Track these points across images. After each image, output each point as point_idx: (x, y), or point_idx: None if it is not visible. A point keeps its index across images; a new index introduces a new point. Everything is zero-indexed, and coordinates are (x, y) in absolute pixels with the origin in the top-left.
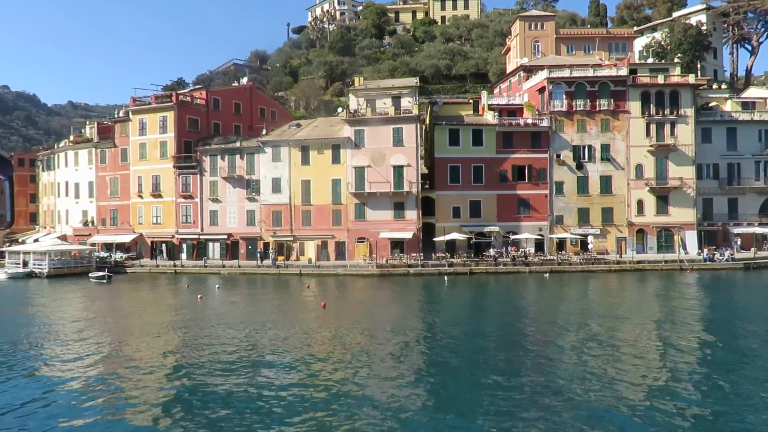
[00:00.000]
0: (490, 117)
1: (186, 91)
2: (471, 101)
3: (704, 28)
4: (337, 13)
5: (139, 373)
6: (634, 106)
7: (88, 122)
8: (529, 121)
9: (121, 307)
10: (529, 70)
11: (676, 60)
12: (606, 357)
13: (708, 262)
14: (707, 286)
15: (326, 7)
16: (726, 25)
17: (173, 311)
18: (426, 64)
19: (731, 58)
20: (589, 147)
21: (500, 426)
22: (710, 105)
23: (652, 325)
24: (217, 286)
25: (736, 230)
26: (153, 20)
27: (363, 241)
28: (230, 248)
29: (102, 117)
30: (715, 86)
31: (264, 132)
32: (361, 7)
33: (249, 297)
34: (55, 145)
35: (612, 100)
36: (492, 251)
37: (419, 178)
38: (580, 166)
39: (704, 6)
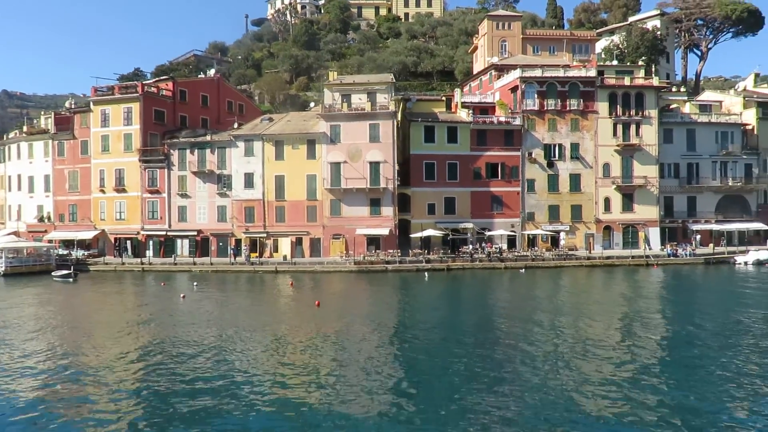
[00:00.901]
0: (464, 114)
1: (151, 81)
2: (444, 98)
3: (659, 33)
4: (299, 6)
5: (157, 376)
6: (602, 106)
7: (43, 112)
8: (502, 119)
9: (98, 308)
10: (501, 69)
11: (640, 63)
12: (588, 351)
13: (672, 258)
14: (675, 280)
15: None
16: (678, 31)
17: (161, 312)
18: (393, 61)
19: (683, 63)
20: (560, 146)
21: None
22: (671, 107)
23: (637, 318)
24: (195, 284)
25: (695, 227)
26: (96, 7)
27: (339, 238)
28: (200, 245)
29: (40, 107)
30: (674, 89)
31: (236, 126)
32: (323, 1)
33: (232, 296)
34: (5, 136)
35: (581, 101)
36: (469, 247)
37: (396, 175)
38: (550, 164)
39: (659, 12)
